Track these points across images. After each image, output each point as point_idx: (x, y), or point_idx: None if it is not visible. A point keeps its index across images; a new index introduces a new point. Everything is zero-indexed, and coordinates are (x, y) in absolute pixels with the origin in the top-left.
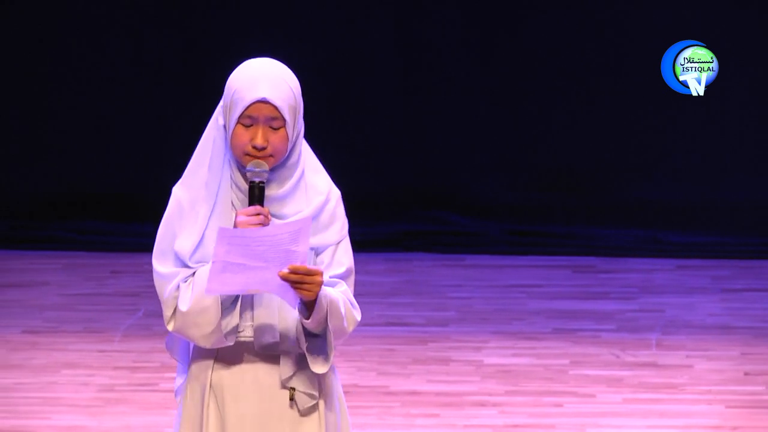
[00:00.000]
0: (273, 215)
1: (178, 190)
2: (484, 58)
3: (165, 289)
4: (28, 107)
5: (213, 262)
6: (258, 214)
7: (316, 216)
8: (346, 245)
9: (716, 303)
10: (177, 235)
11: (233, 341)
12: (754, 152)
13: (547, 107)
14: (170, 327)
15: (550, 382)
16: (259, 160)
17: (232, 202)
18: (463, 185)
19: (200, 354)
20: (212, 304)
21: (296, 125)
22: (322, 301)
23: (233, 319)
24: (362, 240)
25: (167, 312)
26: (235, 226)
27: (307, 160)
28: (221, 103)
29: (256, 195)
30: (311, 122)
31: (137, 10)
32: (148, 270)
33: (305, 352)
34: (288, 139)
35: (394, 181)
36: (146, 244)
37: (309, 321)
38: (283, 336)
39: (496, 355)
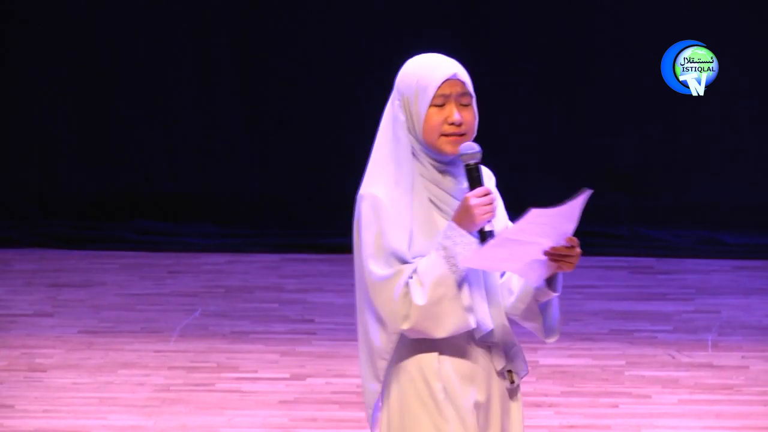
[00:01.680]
0: (451, 195)
1: (371, 193)
2: (549, 54)
3: (392, 290)
4: (86, 108)
5: (497, 236)
6: (487, 194)
7: (494, 191)
8: None
9: None
10: (386, 234)
11: (474, 323)
12: None
13: (589, 106)
14: (405, 325)
15: (606, 382)
16: (471, 142)
17: (428, 197)
18: (514, 187)
19: (421, 350)
20: (447, 290)
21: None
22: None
23: (472, 304)
24: None
25: (400, 310)
26: (467, 209)
27: None
28: (396, 101)
29: (475, 176)
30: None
31: (196, 11)
32: (206, 270)
33: (539, 327)
34: (476, 116)
35: None
36: (203, 245)
37: (557, 293)
38: (497, 324)
39: (553, 356)
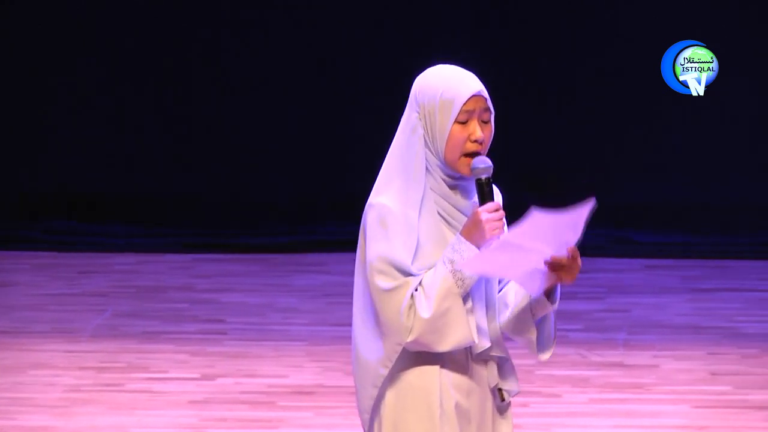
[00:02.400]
0: (460, 210)
1: (380, 202)
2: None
3: (398, 303)
4: None
5: (496, 240)
6: (497, 210)
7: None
8: None
9: (685, 303)
10: (392, 246)
11: (477, 338)
12: (724, 154)
13: (522, 106)
14: (410, 338)
15: None
16: (483, 157)
17: (438, 211)
18: None
19: (423, 362)
20: (453, 304)
21: None
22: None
23: (474, 319)
24: (335, 240)
25: (405, 323)
26: (477, 223)
27: None
28: (415, 112)
29: (486, 192)
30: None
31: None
32: (117, 270)
33: (533, 342)
34: (492, 132)
35: (362, 181)
36: (114, 245)
37: (555, 305)
38: (493, 339)
39: None
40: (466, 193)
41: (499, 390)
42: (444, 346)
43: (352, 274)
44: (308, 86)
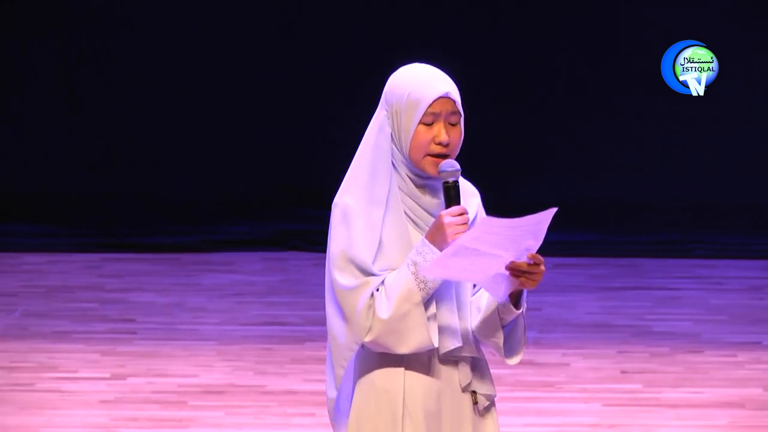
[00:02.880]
0: (427, 210)
1: (344, 201)
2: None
3: (356, 301)
4: None
5: (452, 244)
6: (462, 214)
7: (474, 219)
8: None
9: (594, 301)
10: (353, 245)
11: (437, 342)
12: (630, 149)
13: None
14: (368, 338)
15: None
16: (451, 160)
17: (404, 211)
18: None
19: (387, 364)
20: (413, 307)
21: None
22: (524, 293)
23: (437, 323)
24: (241, 239)
25: (364, 322)
26: (440, 226)
27: None
28: (384, 110)
29: (452, 195)
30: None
31: None
32: (26, 270)
33: (500, 346)
34: (462, 135)
35: (272, 180)
36: (22, 244)
37: (520, 310)
38: (464, 340)
39: None
40: (434, 193)
41: (473, 393)
42: (403, 348)
43: (259, 273)
44: (214, 86)
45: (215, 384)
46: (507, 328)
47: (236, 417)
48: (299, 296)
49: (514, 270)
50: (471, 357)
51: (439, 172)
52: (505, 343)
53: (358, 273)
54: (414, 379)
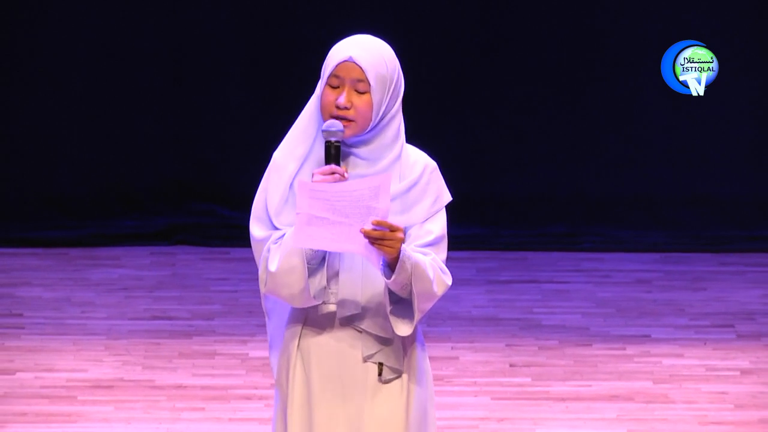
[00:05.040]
0: None
1: (274, 155)
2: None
3: (260, 253)
4: None
5: (297, 214)
6: (333, 173)
7: (404, 193)
8: (439, 215)
9: (481, 295)
10: (267, 197)
11: (321, 300)
12: (526, 144)
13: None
14: (264, 289)
15: None
16: (335, 120)
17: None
18: (232, 179)
19: (292, 320)
20: (298, 263)
21: (386, 96)
22: (405, 263)
23: (321, 280)
24: (129, 233)
25: (261, 275)
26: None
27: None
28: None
29: (332, 154)
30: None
31: None
32: None
33: (389, 314)
34: (372, 106)
35: (160, 174)
36: None
37: (391, 281)
38: (365, 309)
39: (262, 348)
40: (347, 158)
41: (379, 364)
42: (293, 302)
43: (146, 268)
44: (98, 79)
45: (104, 379)
46: (396, 298)
47: (125, 411)
48: (187, 291)
49: (369, 238)
50: (377, 329)
51: (322, 131)
52: (393, 312)
53: (264, 225)
54: (310, 338)
